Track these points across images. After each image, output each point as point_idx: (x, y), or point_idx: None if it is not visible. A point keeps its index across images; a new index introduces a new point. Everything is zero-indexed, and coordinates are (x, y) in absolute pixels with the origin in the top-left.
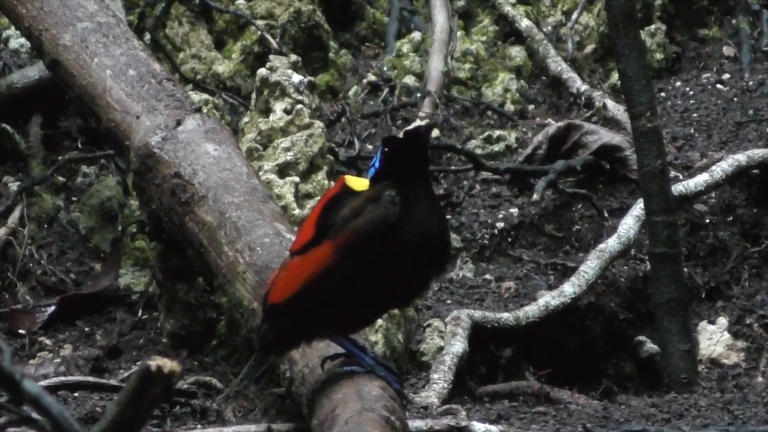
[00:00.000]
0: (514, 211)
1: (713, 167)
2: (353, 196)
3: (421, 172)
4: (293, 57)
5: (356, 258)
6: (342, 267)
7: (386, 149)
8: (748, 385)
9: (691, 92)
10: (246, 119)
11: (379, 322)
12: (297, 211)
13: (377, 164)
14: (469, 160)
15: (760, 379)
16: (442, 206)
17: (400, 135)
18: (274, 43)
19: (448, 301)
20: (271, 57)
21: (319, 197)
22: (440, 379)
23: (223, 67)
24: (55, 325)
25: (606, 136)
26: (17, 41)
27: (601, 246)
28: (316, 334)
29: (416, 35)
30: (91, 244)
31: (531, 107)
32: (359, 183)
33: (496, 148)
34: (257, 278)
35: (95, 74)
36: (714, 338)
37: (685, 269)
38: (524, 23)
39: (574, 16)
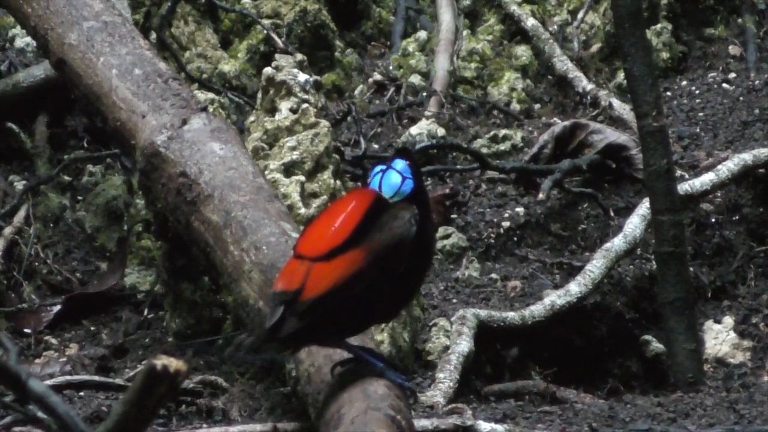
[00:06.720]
0: (520, 210)
1: (719, 166)
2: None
3: (423, 189)
4: (299, 56)
5: (380, 267)
6: (370, 273)
7: (408, 162)
8: (753, 384)
9: (697, 91)
10: (252, 118)
11: None
12: (303, 210)
13: (411, 184)
14: (475, 159)
15: (765, 378)
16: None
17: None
18: (279, 42)
19: (454, 301)
20: (276, 56)
21: (325, 196)
22: (446, 379)
23: (228, 66)
24: (60, 324)
25: (612, 136)
26: (23, 40)
27: (607, 245)
28: (325, 340)
29: (422, 34)
30: (97, 244)
31: (537, 106)
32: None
33: (502, 147)
34: (263, 277)
35: (101, 73)
36: (720, 337)
37: (691, 268)
38: (530, 22)
39: (580, 15)
